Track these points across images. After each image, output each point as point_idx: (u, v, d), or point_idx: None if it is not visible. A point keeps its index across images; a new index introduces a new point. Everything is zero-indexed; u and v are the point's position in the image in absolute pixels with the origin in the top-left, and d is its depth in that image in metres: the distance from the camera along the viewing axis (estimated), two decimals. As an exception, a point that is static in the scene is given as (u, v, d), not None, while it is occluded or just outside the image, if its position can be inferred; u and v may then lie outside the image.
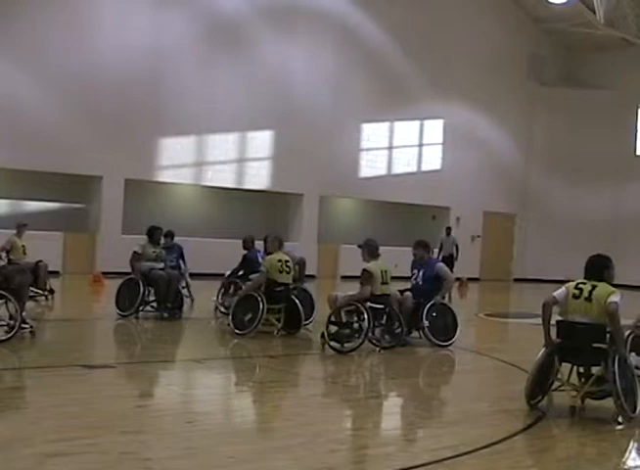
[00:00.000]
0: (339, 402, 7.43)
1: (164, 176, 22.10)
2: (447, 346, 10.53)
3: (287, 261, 11.10)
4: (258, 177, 23.54)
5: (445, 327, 10.70)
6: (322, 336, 9.90)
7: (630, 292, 24.25)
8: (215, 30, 22.37)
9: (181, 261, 14.91)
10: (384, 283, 10.08)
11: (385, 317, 10.10)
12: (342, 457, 5.45)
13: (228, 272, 13.08)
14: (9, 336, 8.97)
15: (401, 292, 10.78)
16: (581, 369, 7.00)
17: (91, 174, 20.86)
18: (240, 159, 23.28)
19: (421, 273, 10.90)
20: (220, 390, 7.96)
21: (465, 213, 27.73)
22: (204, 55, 22.19)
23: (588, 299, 6.75)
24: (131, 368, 8.62)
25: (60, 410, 6.21)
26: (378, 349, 9.87)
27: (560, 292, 6.91)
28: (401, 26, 25.82)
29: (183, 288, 14.20)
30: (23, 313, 9.42)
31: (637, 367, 7.93)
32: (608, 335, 6.73)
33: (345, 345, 9.73)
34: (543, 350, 6.93)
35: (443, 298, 11.08)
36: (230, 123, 22.69)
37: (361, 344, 9.68)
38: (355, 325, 9.83)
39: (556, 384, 7.01)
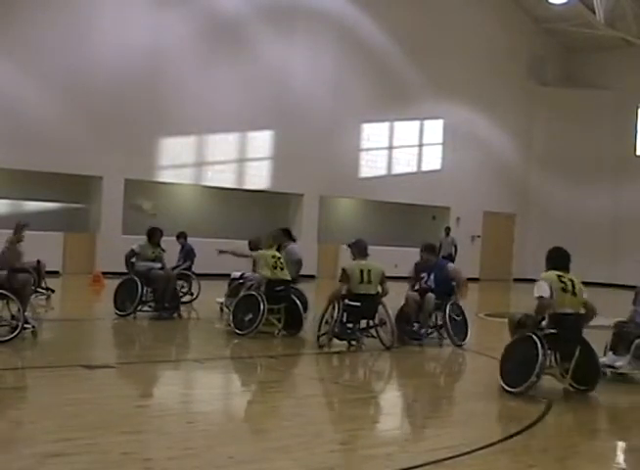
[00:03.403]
0: (339, 402, 7.43)
1: (164, 176, 22.08)
2: (463, 345, 10.62)
3: (279, 258, 11.15)
4: (258, 177, 23.52)
5: (460, 327, 10.80)
6: (320, 335, 10.05)
7: (629, 292, 24.23)
8: (215, 30, 22.36)
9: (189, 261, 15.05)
10: (363, 282, 10.10)
11: (374, 317, 10.21)
12: (343, 457, 5.45)
13: (238, 274, 12.93)
14: (12, 336, 8.96)
15: (420, 293, 10.79)
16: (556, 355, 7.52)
17: (91, 174, 20.84)
18: (240, 159, 23.26)
19: (432, 276, 10.89)
20: (220, 390, 7.97)
21: (465, 213, 27.72)
22: (204, 55, 22.18)
23: (573, 293, 7.40)
24: (131, 368, 8.62)
25: (60, 410, 6.21)
26: (362, 345, 10.04)
27: (546, 289, 7.30)
28: (401, 26, 25.80)
29: (182, 288, 14.20)
30: (26, 313, 9.43)
31: (611, 366, 8.14)
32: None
33: (351, 342, 10.06)
34: (526, 340, 7.34)
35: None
36: (230, 123, 22.68)
37: (331, 339, 9.94)
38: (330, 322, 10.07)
39: (537, 370, 7.29)
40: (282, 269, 11.07)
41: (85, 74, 20.22)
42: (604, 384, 8.37)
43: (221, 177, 22.89)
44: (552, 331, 7.35)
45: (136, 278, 12.11)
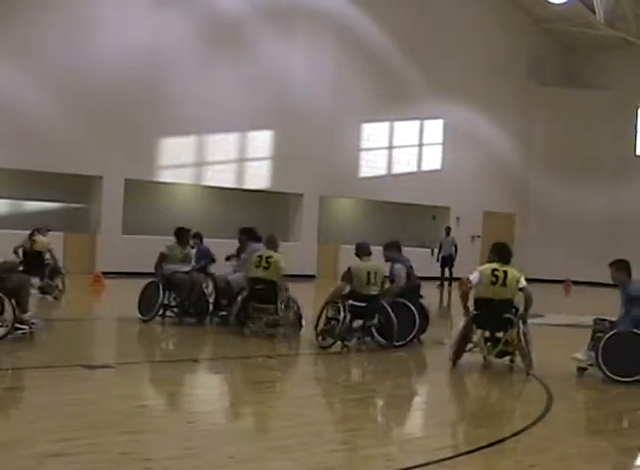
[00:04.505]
0: (339, 402, 7.43)
1: (164, 176, 22.09)
2: (396, 347, 10.08)
3: (268, 257, 10.84)
4: (258, 177, 23.53)
5: (392, 327, 10.14)
6: (318, 333, 10.06)
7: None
8: (215, 30, 22.36)
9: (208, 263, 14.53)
10: (370, 284, 10.06)
11: (374, 317, 10.12)
12: (342, 457, 5.45)
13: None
14: (0, 336, 8.94)
15: None
16: (487, 334, 9.02)
17: (91, 174, 20.85)
18: (240, 159, 23.27)
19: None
20: (220, 390, 7.97)
21: (465, 213, 27.72)
22: (204, 55, 22.18)
23: (503, 284, 8.80)
24: (131, 368, 8.61)
25: (60, 410, 6.21)
26: (363, 346, 10.00)
27: (475, 277, 8.91)
28: (401, 26, 25.80)
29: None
30: (29, 313, 9.41)
31: (576, 359, 8.91)
32: (513, 308, 8.90)
33: (345, 342, 9.93)
34: (464, 321, 8.92)
35: (421, 296, 10.94)
36: (230, 123, 22.68)
37: (335, 341, 9.78)
38: (333, 322, 9.97)
39: (469, 346, 9.03)
40: (265, 269, 10.76)
41: (85, 74, 20.22)
42: (604, 384, 8.37)
43: (221, 177, 22.89)
44: (476, 312, 8.94)
45: (159, 281, 11.71)
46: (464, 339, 8.99)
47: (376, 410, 7.17)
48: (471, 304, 9.05)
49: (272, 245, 11.21)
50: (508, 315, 8.82)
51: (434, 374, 9.46)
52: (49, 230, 15.49)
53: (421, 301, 10.89)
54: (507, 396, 8.17)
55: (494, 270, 8.85)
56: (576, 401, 8.01)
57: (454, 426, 6.52)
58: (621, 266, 8.75)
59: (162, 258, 11.98)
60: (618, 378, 8.32)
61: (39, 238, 14.92)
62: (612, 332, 8.47)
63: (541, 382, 8.32)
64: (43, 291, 14.31)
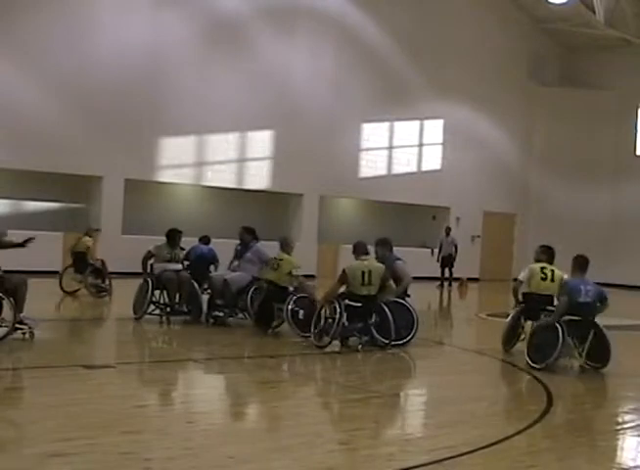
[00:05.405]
0: (339, 402, 7.43)
1: (164, 176, 22.08)
2: (390, 345, 10.02)
3: (280, 259, 11.17)
4: (258, 177, 23.52)
5: (389, 326, 10.07)
6: (315, 333, 10.04)
7: (629, 292, 24.23)
8: (215, 30, 22.36)
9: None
10: (364, 284, 10.03)
11: (372, 317, 10.08)
12: (343, 457, 5.45)
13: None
14: (1, 336, 8.93)
15: None
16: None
17: (91, 174, 20.84)
18: (240, 159, 23.26)
19: None
20: (220, 390, 7.97)
21: (465, 213, 27.71)
22: (204, 55, 22.18)
23: (552, 280, 9.88)
24: (131, 368, 8.62)
25: (60, 410, 6.21)
26: (359, 345, 9.93)
27: (525, 274, 10.00)
28: (401, 26, 25.79)
29: (206, 289, 12.70)
30: (22, 314, 9.40)
31: None
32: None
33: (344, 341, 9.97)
34: (513, 312, 10.17)
35: (408, 295, 10.90)
36: (230, 123, 22.67)
37: (331, 340, 9.77)
38: (329, 321, 9.98)
39: (522, 336, 9.91)
40: (275, 269, 11.08)
41: (85, 74, 20.21)
42: (604, 384, 8.37)
43: (221, 177, 22.88)
44: (524, 305, 10.04)
45: (149, 280, 11.79)
46: (511, 329, 10.11)
47: (376, 410, 7.16)
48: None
49: (286, 247, 11.38)
50: (550, 308, 9.71)
51: (435, 374, 9.46)
52: (96, 230, 16.40)
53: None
54: (507, 396, 8.17)
55: (543, 268, 9.99)
56: (576, 401, 8.01)
57: (454, 426, 6.51)
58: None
59: (149, 256, 12.15)
60: (533, 364, 8.88)
61: (84, 239, 15.76)
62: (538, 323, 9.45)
63: (541, 382, 8.33)
64: (99, 290, 15.17)
